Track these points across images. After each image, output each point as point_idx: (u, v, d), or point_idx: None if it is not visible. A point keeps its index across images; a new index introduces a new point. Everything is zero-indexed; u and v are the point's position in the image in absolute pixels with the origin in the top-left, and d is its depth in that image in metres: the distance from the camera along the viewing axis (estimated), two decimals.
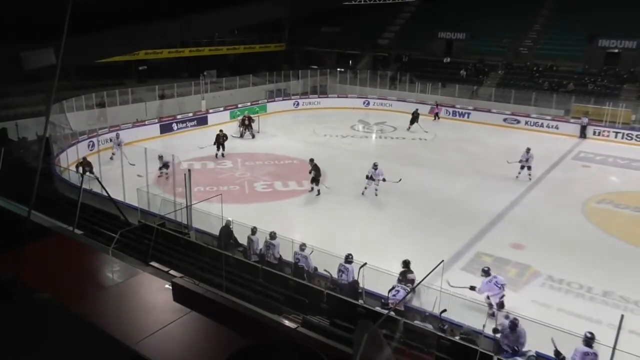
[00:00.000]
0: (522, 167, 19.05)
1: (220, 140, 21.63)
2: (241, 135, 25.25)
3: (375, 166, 16.91)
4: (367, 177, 17.01)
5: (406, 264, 10.53)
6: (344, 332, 6.88)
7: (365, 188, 17.16)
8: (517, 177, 19.04)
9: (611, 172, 21.14)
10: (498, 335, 8.48)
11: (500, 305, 10.00)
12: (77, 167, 17.17)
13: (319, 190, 17.34)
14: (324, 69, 36.98)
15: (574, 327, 8.47)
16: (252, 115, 26.53)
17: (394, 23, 41.68)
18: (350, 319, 7.94)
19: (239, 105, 29.50)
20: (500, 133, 27.60)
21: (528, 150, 19.02)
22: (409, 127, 27.26)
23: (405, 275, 10.33)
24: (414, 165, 21.12)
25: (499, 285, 10.17)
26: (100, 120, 24.02)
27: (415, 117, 27.34)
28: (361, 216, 15.66)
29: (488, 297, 10.22)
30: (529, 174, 19.09)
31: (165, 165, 17.87)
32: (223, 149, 21.71)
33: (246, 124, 25.42)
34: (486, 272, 10.35)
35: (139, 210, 13.40)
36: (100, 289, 4.15)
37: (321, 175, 17.49)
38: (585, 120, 26.49)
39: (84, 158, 17.77)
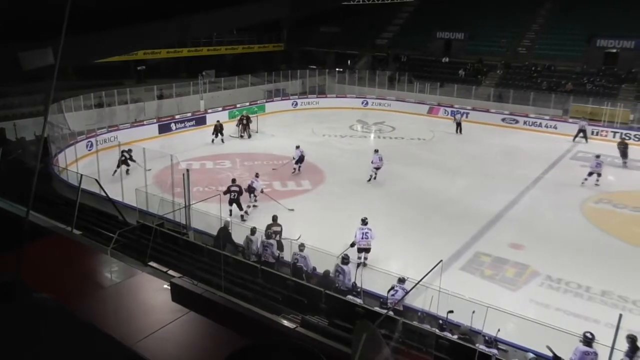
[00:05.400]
0: (591, 174, 18.69)
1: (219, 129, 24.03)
2: (240, 136, 25.33)
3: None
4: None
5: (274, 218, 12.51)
6: (343, 332, 6.87)
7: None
8: (582, 183, 18.67)
9: (609, 172, 21.13)
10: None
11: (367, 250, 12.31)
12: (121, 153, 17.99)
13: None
14: (323, 69, 36.97)
15: (572, 327, 8.50)
16: (250, 116, 26.59)
17: (393, 23, 41.68)
18: (349, 319, 7.95)
19: (238, 105, 29.49)
20: (498, 133, 27.63)
21: (598, 156, 19.05)
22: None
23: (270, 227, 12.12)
24: (412, 165, 21.13)
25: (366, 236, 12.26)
26: (98, 120, 23.99)
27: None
28: (360, 216, 15.63)
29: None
30: (597, 180, 18.67)
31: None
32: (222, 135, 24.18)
33: (244, 124, 25.48)
34: (363, 221, 12.52)
35: (137, 211, 13.39)
36: (98, 289, 4.15)
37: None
38: (584, 123, 25.76)
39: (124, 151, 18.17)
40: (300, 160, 19.40)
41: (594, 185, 18.58)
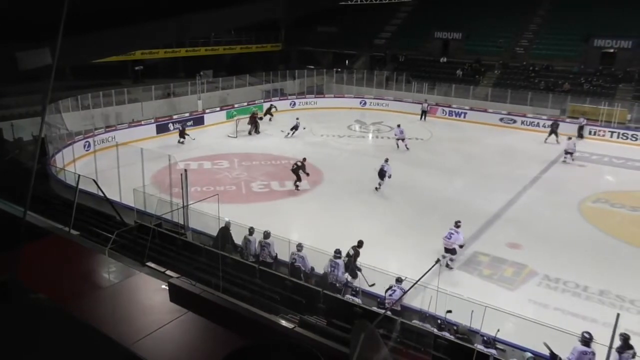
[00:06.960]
0: (567, 153, 21.64)
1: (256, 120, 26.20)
2: (249, 133, 25.91)
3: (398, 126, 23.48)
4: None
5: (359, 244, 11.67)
6: (341, 332, 6.88)
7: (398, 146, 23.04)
8: (564, 160, 21.75)
9: (607, 172, 21.20)
10: None
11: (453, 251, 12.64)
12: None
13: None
14: (321, 69, 36.94)
15: (570, 326, 8.51)
16: (260, 113, 27.36)
17: (391, 23, 41.69)
18: (347, 318, 7.95)
19: (236, 105, 29.49)
20: (496, 133, 27.67)
21: (570, 138, 22.57)
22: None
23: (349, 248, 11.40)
24: (410, 165, 21.14)
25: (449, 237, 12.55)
26: (96, 120, 23.94)
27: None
28: (358, 216, 15.66)
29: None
30: (572, 158, 21.61)
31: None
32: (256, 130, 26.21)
33: (256, 121, 26.05)
34: (456, 223, 12.77)
35: (135, 211, 13.37)
36: (96, 289, 4.14)
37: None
38: (582, 120, 26.42)
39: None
40: (296, 127, 24.81)
41: (569, 161, 21.58)
